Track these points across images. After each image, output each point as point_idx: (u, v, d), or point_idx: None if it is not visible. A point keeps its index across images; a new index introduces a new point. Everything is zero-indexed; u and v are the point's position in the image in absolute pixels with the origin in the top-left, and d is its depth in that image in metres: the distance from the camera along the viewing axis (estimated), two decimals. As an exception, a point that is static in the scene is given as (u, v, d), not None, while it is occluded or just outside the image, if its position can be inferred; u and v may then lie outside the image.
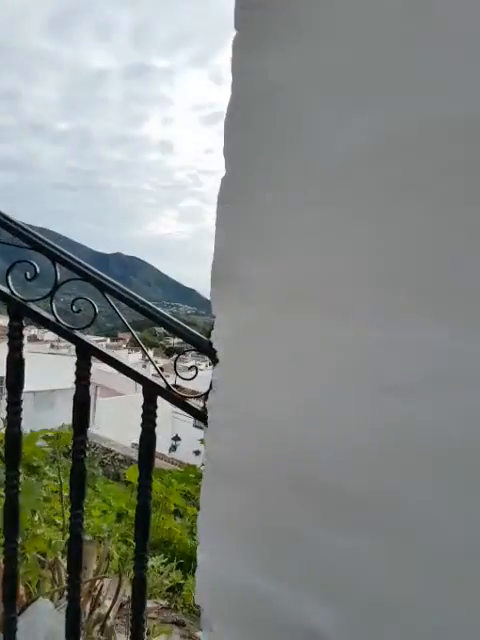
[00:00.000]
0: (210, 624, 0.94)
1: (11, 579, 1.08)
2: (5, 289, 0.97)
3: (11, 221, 0.93)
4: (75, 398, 1.02)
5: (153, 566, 2.51)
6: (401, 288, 0.74)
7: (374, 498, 0.76)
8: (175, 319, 1.00)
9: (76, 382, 1.02)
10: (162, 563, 2.64)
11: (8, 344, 0.99)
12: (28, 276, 0.95)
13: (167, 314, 1.00)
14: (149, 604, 1.74)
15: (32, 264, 0.96)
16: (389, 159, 0.73)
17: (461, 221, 0.69)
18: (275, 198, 0.83)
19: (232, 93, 0.80)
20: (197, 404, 1.00)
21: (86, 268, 0.96)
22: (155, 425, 1.04)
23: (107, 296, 0.97)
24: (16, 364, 1.00)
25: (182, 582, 2.56)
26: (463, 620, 0.71)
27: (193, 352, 1.04)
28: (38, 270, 0.95)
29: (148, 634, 1.49)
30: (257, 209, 0.85)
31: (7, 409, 1.02)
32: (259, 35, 0.80)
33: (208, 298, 0.91)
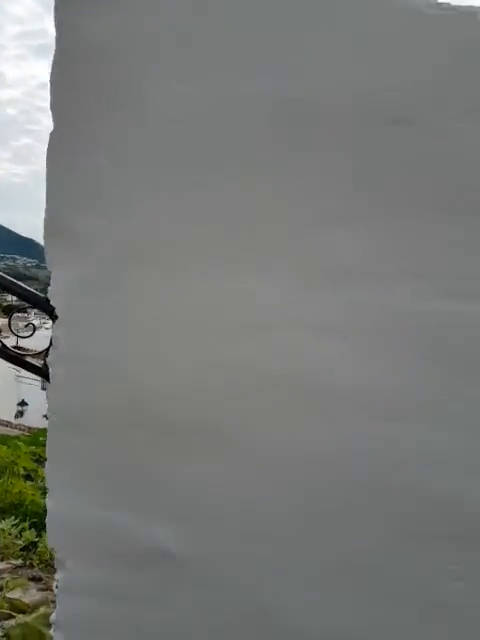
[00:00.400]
0: (65, 563, 1.00)
1: None
2: None
3: None
4: None
5: (3, 529, 2.44)
6: (229, 246, 0.84)
7: (208, 428, 0.89)
8: (3, 274, 0.96)
9: None
10: (13, 525, 2.59)
11: None
12: None
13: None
14: (2, 565, 1.72)
15: None
16: (211, 127, 0.81)
17: (283, 186, 0.81)
18: (105, 156, 0.85)
19: (57, 48, 0.79)
20: (39, 362, 1.01)
21: None
22: (-7, 385, 1.01)
23: None
24: None
25: (36, 540, 2.55)
26: (287, 515, 0.89)
27: (36, 310, 1.03)
28: None
29: (1, 590, 1.50)
30: (88, 166, 0.86)
31: None
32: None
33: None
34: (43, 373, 0.95)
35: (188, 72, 0.79)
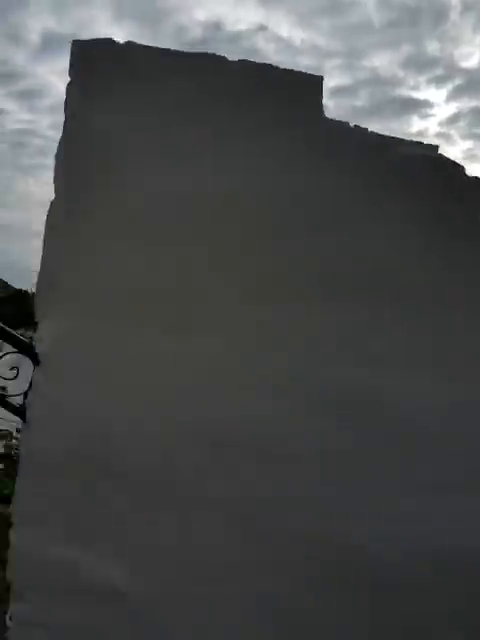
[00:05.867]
0: (22, 594, 1.05)
1: None
2: None
3: None
4: None
5: None
6: (190, 304, 0.97)
7: (161, 476, 0.98)
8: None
9: None
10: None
11: None
12: None
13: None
14: None
15: None
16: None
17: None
18: (97, 225, 0.97)
19: (65, 129, 0.91)
20: (16, 401, 1.06)
21: None
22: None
23: None
24: None
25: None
26: (223, 561, 0.98)
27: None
28: None
29: None
30: (82, 233, 0.97)
31: None
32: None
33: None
34: (20, 413, 1.03)
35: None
